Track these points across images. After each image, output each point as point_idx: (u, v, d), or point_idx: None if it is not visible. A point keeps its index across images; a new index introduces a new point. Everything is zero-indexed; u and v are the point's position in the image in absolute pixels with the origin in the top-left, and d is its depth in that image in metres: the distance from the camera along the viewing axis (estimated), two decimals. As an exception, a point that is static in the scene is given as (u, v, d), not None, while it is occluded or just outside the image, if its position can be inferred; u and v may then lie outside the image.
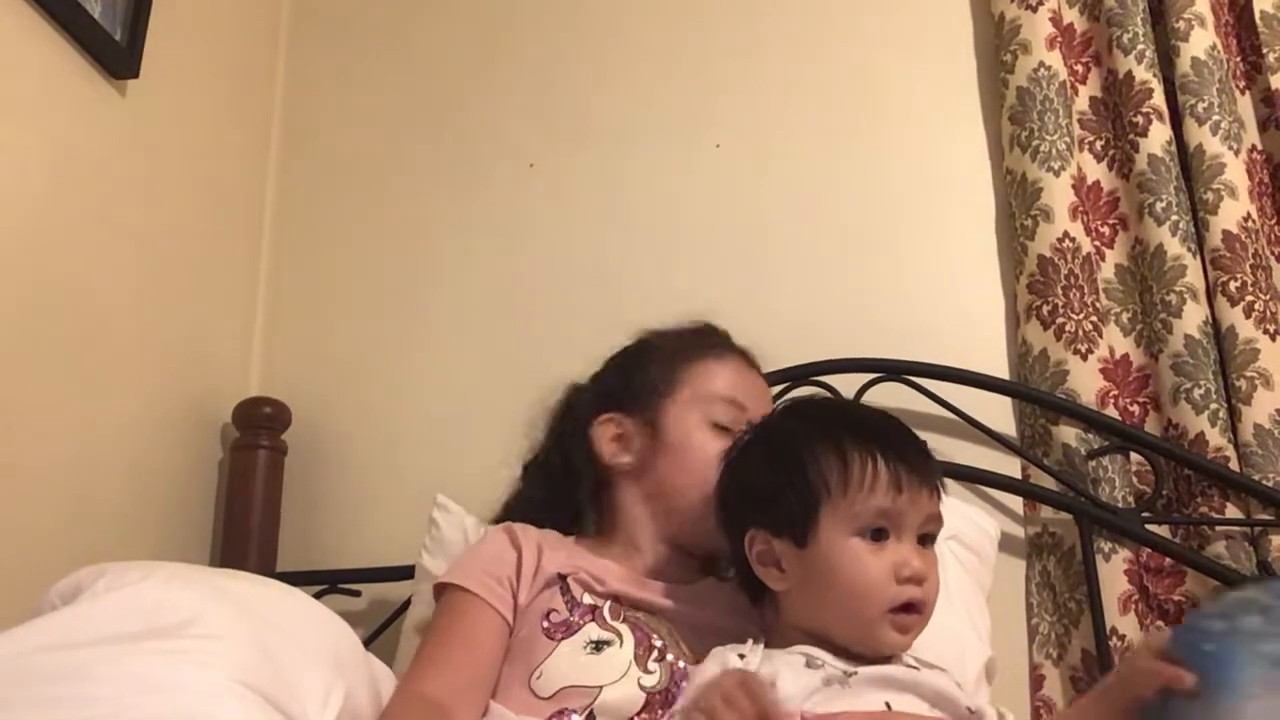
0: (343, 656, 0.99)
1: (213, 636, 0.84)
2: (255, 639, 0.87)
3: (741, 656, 0.91)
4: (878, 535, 0.92)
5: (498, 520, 1.23)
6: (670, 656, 1.01)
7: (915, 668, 0.92)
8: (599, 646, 1.00)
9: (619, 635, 1.02)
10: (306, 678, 0.90)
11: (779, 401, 1.46)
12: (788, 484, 0.95)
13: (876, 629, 0.90)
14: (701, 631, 1.02)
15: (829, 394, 1.49)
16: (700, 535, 1.09)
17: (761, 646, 0.94)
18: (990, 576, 1.40)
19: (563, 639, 1.01)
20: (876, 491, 0.92)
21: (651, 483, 1.13)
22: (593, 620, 1.03)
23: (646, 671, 0.99)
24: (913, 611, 0.91)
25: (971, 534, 1.38)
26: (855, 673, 0.88)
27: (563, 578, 1.06)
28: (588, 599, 1.05)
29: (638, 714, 0.96)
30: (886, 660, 0.92)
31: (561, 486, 1.19)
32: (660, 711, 0.96)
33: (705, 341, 1.20)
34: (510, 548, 1.10)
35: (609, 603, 1.05)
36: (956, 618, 1.26)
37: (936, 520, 0.95)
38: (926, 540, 0.95)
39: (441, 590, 1.10)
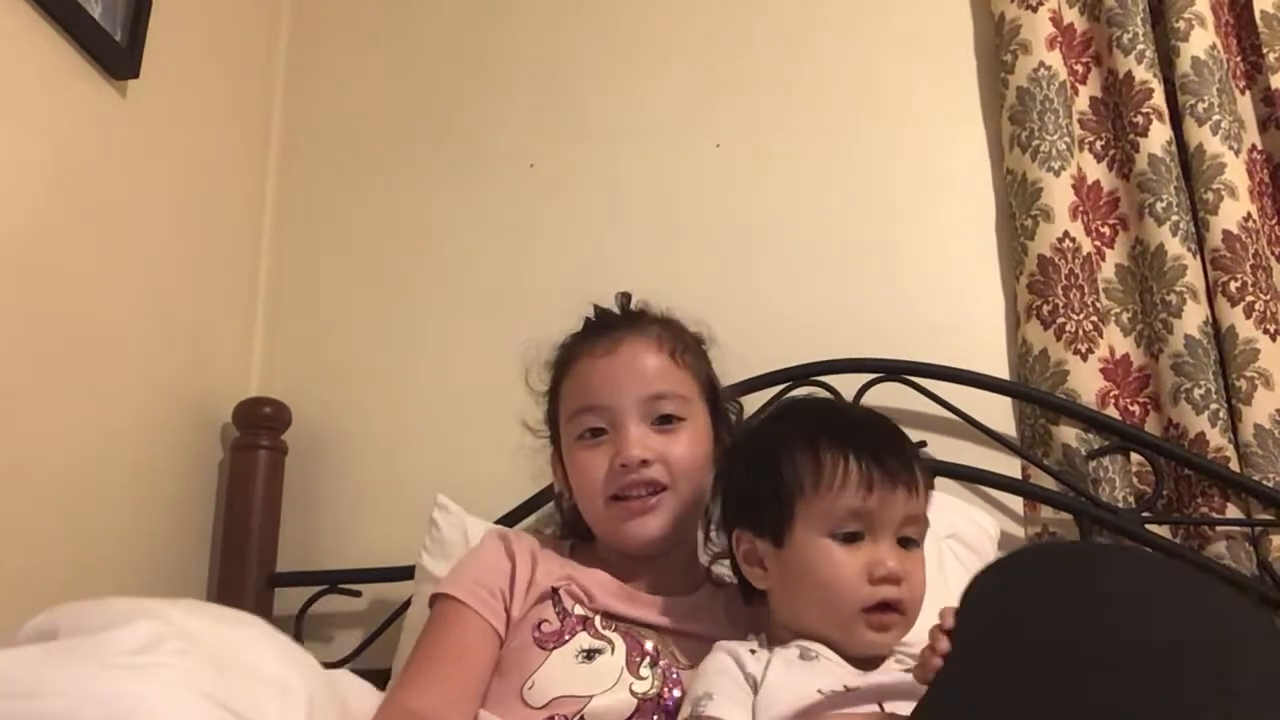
0: (303, 673, 0.98)
1: (177, 654, 0.82)
2: (214, 660, 0.86)
3: (753, 652, 0.91)
4: (852, 538, 0.92)
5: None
6: (663, 662, 1.00)
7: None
8: (590, 655, 1.00)
9: (610, 643, 1.01)
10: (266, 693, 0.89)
11: (778, 401, 1.47)
12: (766, 484, 0.96)
13: (852, 628, 0.90)
14: (696, 641, 1.01)
15: (829, 394, 1.49)
16: (613, 545, 1.11)
17: (759, 644, 0.94)
18: (990, 575, 1.40)
19: (554, 648, 1.01)
20: (846, 490, 0.92)
21: (579, 506, 1.15)
22: (584, 630, 1.02)
23: (639, 678, 0.98)
24: (890, 611, 0.90)
25: (971, 532, 1.38)
26: (855, 689, 0.87)
27: (554, 590, 1.06)
28: (579, 610, 1.04)
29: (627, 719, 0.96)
30: (882, 660, 0.92)
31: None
32: (652, 717, 0.96)
33: (566, 355, 1.17)
34: (505, 558, 1.09)
35: (600, 616, 1.04)
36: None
37: (916, 522, 0.94)
38: (908, 543, 0.94)
39: (434, 599, 1.09)
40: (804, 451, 0.94)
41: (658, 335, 1.14)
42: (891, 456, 0.94)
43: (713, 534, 1.14)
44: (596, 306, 1.21)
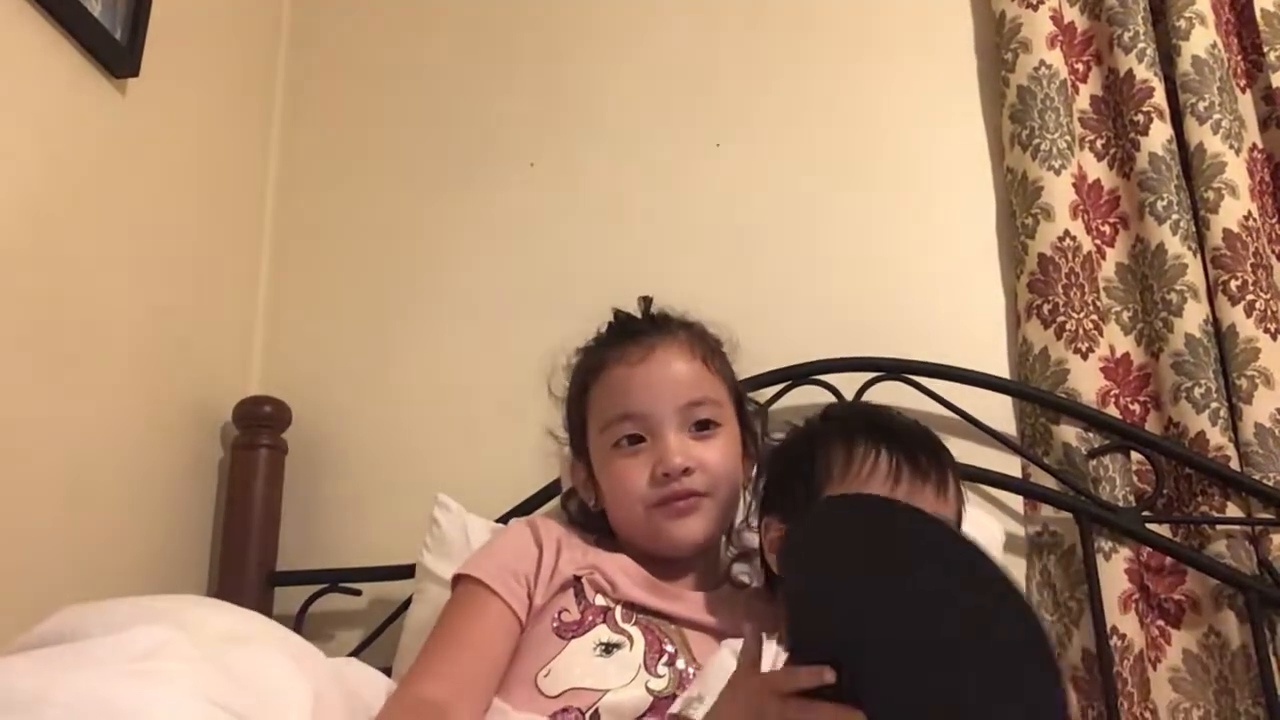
0: (310, 670, 0.97)
1: (185, 658, 0.82)
2: (220, 663, 0.86)
3: None
4: None
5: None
6: (680, 662, 1.00)
7: None
8: (609, 649, 1.00)
9: (629, 638, 1.01)
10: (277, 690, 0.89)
11: (778, 401, 1.48)
12: (799, 471, 0.98)
13: None
14: (716, 637, 1.02)
15: (829, 393, 1.49)
16: (649, 549, 1.11)
17: (775, 641, 0.95)
18: (995, 579, 1.40)
19: (573, 638, 1.01)
20: (874, 480, 0.93)
21: (610, 512, 1.15)
22: (604, 622, 1.02)
23: (655, 675, 0.98)
24: None
25: (974, 534, 1.37)
26: None
27: (577, 579, 1.06)
28: (600, 600, 1.04)
29: (641, 717, 0.96)
30: None
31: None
32: (666, 715, 0.96)
33: (594, 361, 1.17)
34: (533, 544, 1.10)
35: (620, 607, 1.04)
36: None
37: None
38: None
39: (457, 580, 1.09)
40: (838, 442, 0.97)
41: (688, 341, 1.15)
42: (923, 455, 0.96)
43: (734, 537, 1.15)
44: (618, 311, 1.20)
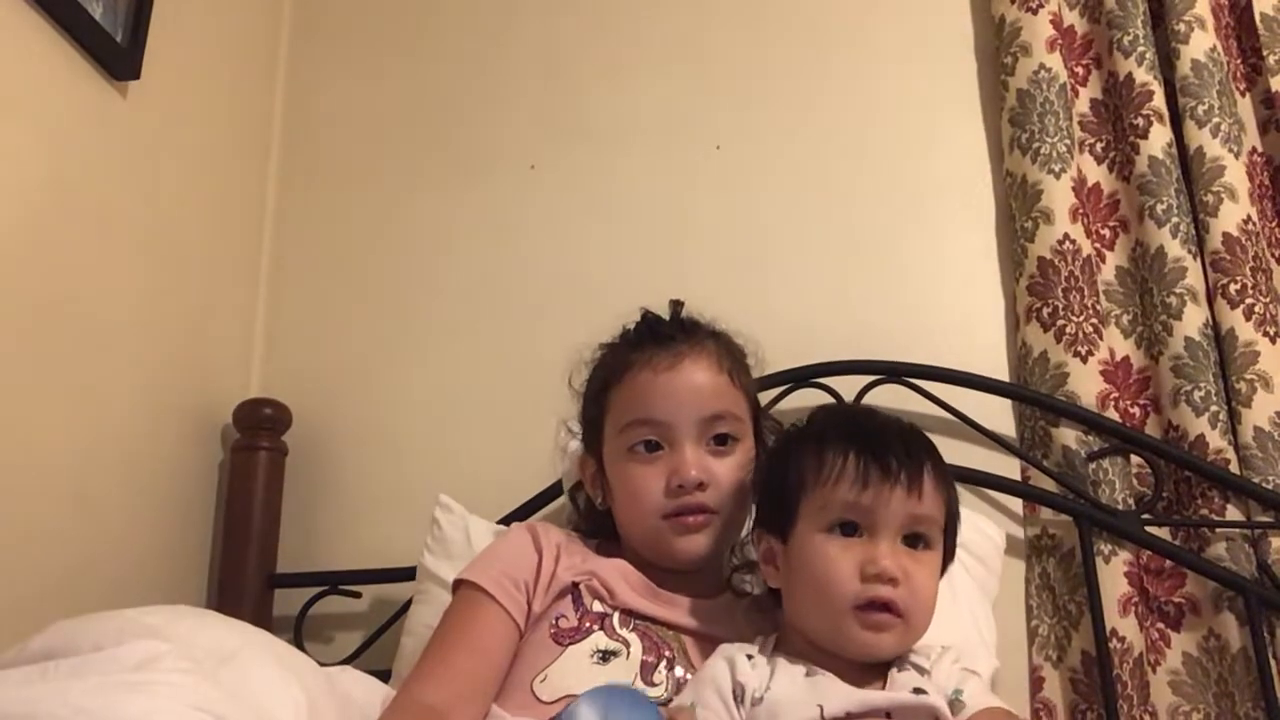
0: (302, 679, 0.96)
1: (177, 670, 0.81)
2: (212, 674, 0.85)
3: (750, 657, 0.92)
4: (848, 530, 0.92)
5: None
6: (679, 670, 1.00)
7: (923, 691, 0.89)
8: (606, 657, 1.00)
9: (626, 644, 1.01)
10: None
11: (779, 404, 1.48)
12: (777, 482, 0.98)
13: (843, 625, 0.90)
14: (714, 645, 1.01)
15: (829, 396, 1.49)
16: (652, 558, 1.10)
17: (772, 642, 0.95)
18: (996, 585, 1.40)
19: (570, 644, 1.01)
20: (841, 485, 0.92)
21: (617, 514, 1.14)
22: (601, 629, 1.02)
23: (651, 684, 0.98)
24: (884, 611, 0.89)
25: (977, 541, 1.37)
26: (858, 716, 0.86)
27: (575, 586, 1.06)
28: (598, 607, 1.04)
29: None
30: (889, 668, 0.92)
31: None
32: None
33: (619, 361, 1.15)
34: (533, 550, 1.09)
35: (618, 613, 1.04)
36: (965, 628, 1.26)
37: (925, 522, 0.93)
38: (916, 541, 0.93)
39: (458, 585, 1.09)
40: (810, 449, 0.96)
41: (716, 353, 1.13)
42: (894, 455, 0.93)
43: (737, 548, 1.15)
44: (647, 312, 1.18)
